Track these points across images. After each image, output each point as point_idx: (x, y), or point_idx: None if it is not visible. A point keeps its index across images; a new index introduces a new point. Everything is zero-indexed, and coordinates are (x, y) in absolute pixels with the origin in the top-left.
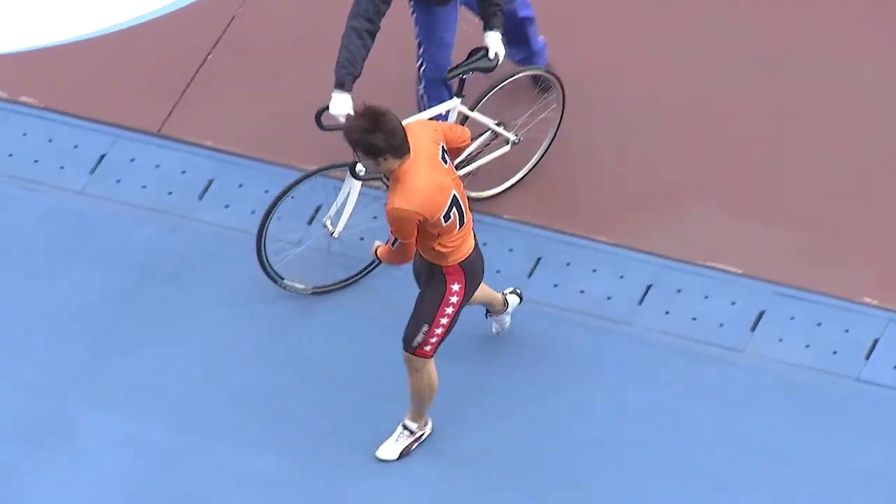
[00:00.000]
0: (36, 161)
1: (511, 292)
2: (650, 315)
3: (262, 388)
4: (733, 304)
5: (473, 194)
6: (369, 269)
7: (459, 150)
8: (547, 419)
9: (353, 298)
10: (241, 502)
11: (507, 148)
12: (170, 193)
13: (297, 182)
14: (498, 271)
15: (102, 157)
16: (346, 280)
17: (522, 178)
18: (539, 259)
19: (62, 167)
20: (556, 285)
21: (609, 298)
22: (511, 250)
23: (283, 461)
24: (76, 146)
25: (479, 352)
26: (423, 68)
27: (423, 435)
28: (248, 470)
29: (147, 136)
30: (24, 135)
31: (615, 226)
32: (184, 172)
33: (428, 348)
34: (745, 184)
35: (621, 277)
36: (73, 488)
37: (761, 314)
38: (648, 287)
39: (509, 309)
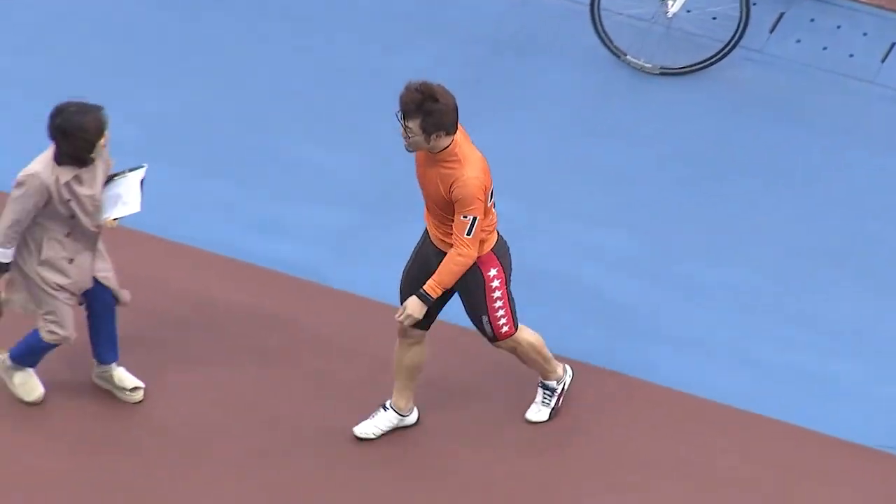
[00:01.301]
0: None
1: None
2: None
3: (606, 164)
4: None
5: None
6: (716, 57)
7: None
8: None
9: (700, 84)
10: (588, 277)
11: None
12: None
13: None
14: (851, 55)
15: None
16: (693, 65)
17: None
18: (893, 44)
19: None
20: None
21: None
22: (865, 34)
23: (631, 239)
24: None
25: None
26: None
27: (564, 385)
28: (595, 245)
29: None
30: None
31: None
32: None
33: (505, 329)
34: None
35: None
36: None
37: None
38: None
39: (566, 377)
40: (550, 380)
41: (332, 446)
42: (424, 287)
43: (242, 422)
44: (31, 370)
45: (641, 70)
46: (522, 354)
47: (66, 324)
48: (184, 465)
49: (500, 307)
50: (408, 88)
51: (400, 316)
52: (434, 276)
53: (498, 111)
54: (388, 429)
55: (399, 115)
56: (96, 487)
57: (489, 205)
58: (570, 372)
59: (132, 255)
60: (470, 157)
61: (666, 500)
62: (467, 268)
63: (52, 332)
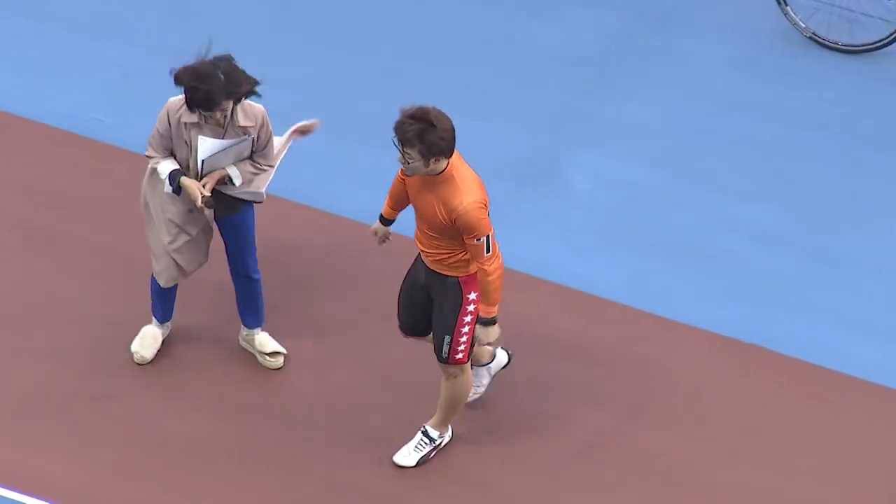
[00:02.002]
0: None
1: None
2: None
3: (752, 136)
4: None
5: None
6: (871, 46)
7: None
8: None
9: (847, 57)
10: (733, 249)
11: None
12: None
13: None
14: None
15: None
16: (854, 46)
17: None
18: None
19: None
20: None
21: None
22: None
23: (777, 212)
24: None
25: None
26: None
27: (442, 443)
28: (740, 219)
29: None
30: None
31: None
32: None
33: (460, 356)
34: None
35: None
36: (561, 223)
37: None
38: None
39: (493, 365)
40: (437, 430)
41: (466, 414)
42: (481, 313)
43: (379, 391)
44: (156, 327)
45: (794, 26)
46: (451, 388)
47: (159, 262)
48: (321, 435)
49: (465, 333)
50: (404, 116)
51: (482, 345)
52: (481, 300)
53: (644, 81)
54: (494, 375)
55: (396, 142)
56: (232, 453)
57: None
58: (451, 434)
59: (266, 220)
60: (466, 178)
61: (804, 471)
62: (502, 278)
63: (154, 267)
